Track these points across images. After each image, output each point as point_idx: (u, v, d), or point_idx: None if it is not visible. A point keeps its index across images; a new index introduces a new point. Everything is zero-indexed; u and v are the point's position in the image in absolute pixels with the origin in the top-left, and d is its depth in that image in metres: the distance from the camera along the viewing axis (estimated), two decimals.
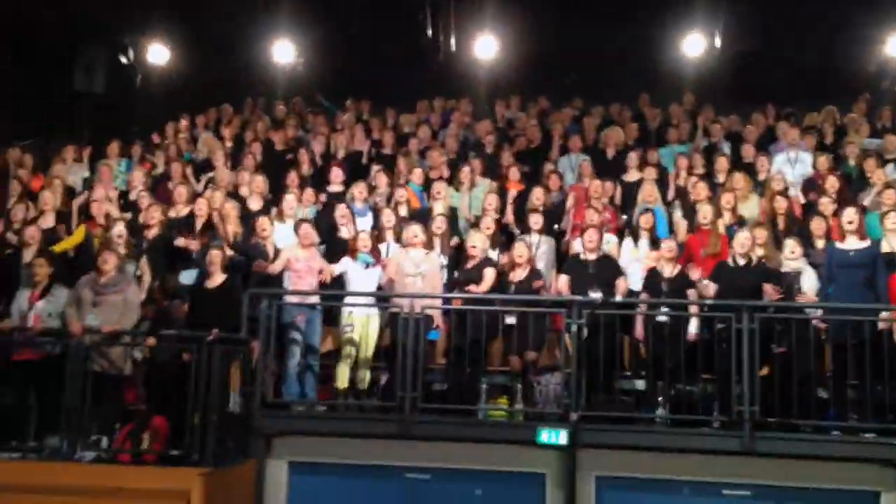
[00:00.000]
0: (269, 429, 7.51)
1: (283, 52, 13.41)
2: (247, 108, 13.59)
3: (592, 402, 7.30)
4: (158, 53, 13.42)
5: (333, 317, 8.19)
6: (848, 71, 13.10)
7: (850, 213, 7.71)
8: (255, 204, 9.59)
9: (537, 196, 9.54)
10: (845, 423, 7.23)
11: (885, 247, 7.79)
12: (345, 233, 8.78)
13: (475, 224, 9.15)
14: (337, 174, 10.30)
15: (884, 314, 7.26)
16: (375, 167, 10.58)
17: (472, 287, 7.81)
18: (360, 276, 8.07)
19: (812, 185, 9.67)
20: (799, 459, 7.05)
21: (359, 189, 9.64)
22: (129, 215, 9.41)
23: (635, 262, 8.65)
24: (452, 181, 10.15)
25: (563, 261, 8.72)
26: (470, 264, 8.09)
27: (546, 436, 7.18)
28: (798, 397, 7.15)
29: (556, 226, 9.46)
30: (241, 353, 7.53)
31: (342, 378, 7.83)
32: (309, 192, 9.89)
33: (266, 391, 7.53)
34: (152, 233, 8.88)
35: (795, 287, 7.68)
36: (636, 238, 8.88)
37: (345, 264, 8.14)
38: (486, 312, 7.62)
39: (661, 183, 9.96)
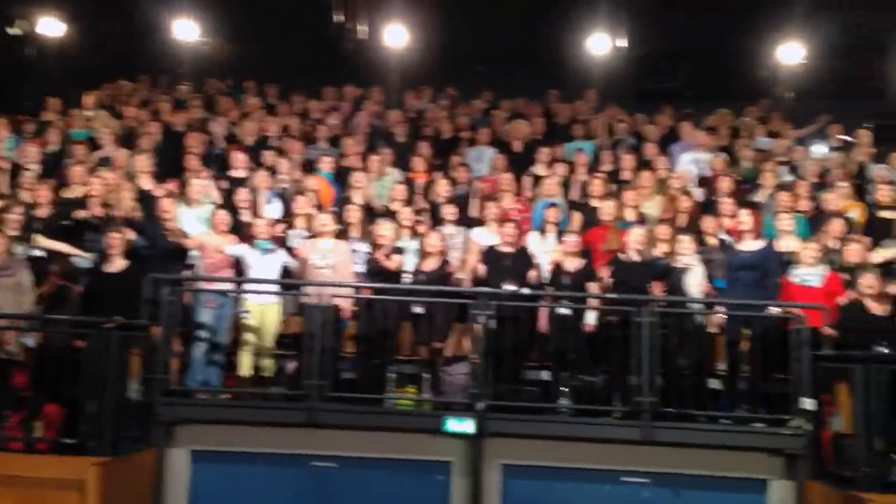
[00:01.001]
0: (171, 417, 7.32)
1: (185, 30, 12.99)
2: (146, 87, 13.12)
3: (499, 391, 7.40)
4: (52, 26, 12.79)
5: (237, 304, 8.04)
6: (746, 74, 13.73)
7: (744, 215, 8.07)
8: (148, 185, 9.27)
9: (446, 187, 9.62)
10: (736, 413, 7.57)
11: (779, 247, 8.18)
12: (246, 218, 8.62)
13: (385, 214, 9.12)
14: (239, 159, 10.09)
15: (773, 310, 7.63)
16: (273, 153, 10.38)
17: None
18: (259, 263, 7.94)
19: (707, 185, 10.04)
20: (694, 448, 7.35)
21: (262, 175, 9.45)
22: (16, 194, 8.93)
23: (543, 254, 8.81)
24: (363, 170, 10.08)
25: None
26: (379, 253, 8.08)
27: (453, 424, 7.27)
28: (693, 388, 7.48)
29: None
30: (141, 339, 7.30)
31: (245, 365, 7.70)
32: (209, 177, 9.64)
33: (168, 378, 7.33)
34: (43, 212, 8.47)
35: (679, 284, 7.96)
36: (543, 231, 9.04)
37: (241, 249, 7.97)
38: (394, 302, 7.63)
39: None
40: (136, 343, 7.24)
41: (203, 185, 9.00)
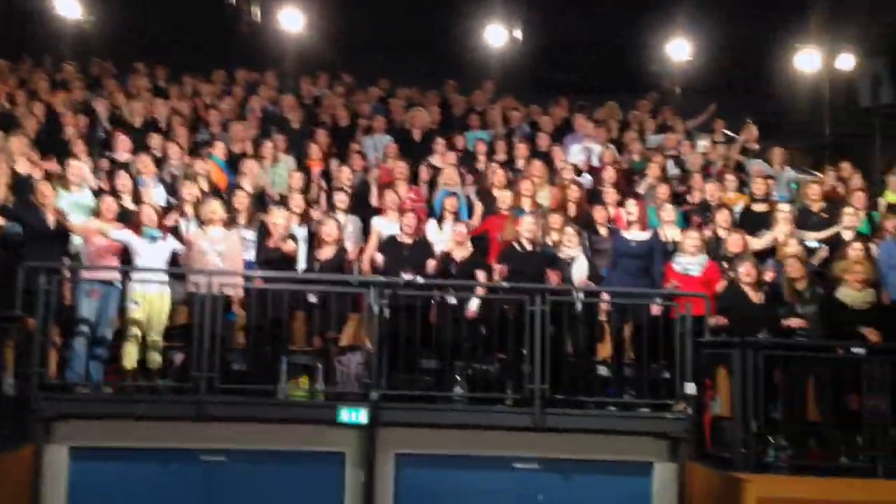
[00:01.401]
0: (49, 412, 7.00)
1: (70, 8, 12.40)
2: (27, 67, 12.46)
3: (393, 381, 7.38)
4: None
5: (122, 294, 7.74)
6: (638, 68, 14.09)
7: (631, 205, 8.29)
8: (24, 168, 8.81)
9: (342, 175, 9.53)
10: (624, 399, 7.79)
11: (662, 236, 8.44)
12: (128, 204, 8.31)
13: (279, 201, 8.95)
14: (123, 141, 9.69)
15: (658, 299, 7.87)
16: (161, 137, 10.05)
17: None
18: (147, 251, 7.66)
19: (596, 176, 10.27)
20: (583, 433, 7.53)
21: (145, 159, 9.12)
22: None
23: (441, 244, 8.83)
24: (256, 157, 9.86)
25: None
26: (272, 242, 7.93)
27: (346, 415, 7.21)
28: (583, 376, 7.66)
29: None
30: (15, 330, 6.94)
31: (130, 358, 7.42)
32: (90, 160, 9.24)
33: (45, 372, 7.01)
34: None
35: (566, 274, 8.13)
36: (441, 221, 9.06)
37: (128, 236, 7.67)
38: (287, 291, 7.51)
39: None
40: (9, 335, 6.87)
41: (81, 168, 8.60)
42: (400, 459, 7.38)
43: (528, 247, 8.18)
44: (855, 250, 7.92)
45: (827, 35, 12.26)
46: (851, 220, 8.70)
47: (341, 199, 8.86)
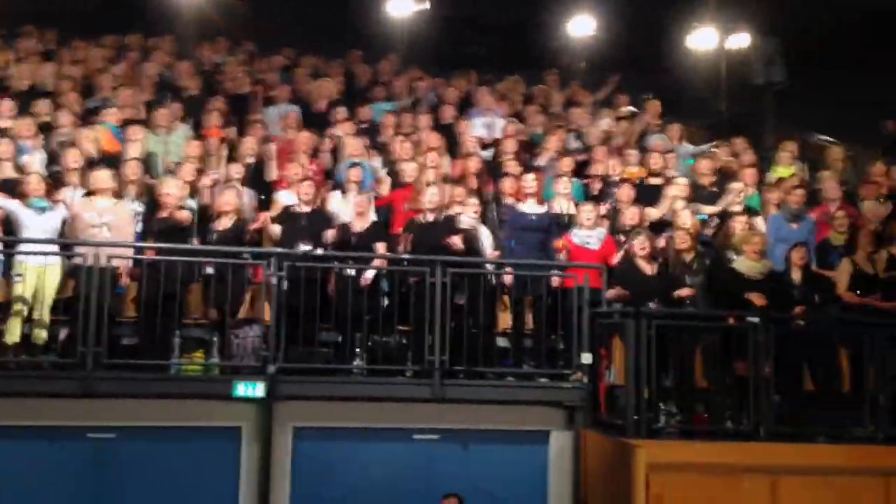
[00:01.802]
0: None
1: None
2: None
3: (291, 354, 7.27)
4: None
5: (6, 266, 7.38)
6: (544, 44, 14.18)
7: (529, 178, 8.36)
8: None
9: (244, 146, 9.30)
10: (522, 369, 7.88)
11: (556, 208, 8.54)
12: (9, 172, 7.90)
13: (173, 170, 8.67)
14: (5, 106, 9.20)
15: (556, 272, 7.98)
16: (48, 102, 9.58)
17: (172, 210, 7.51)
18: (34, 222, 7.30)
19: (496, 148, 10.32)
20: (482, 404, 7.59)
21: (25, 124, 8.68)
22: None
23: (346, 214, 8.69)
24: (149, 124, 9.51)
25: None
26: (164, 213, 7.67)
27: (242, 389, 7.07)
28: (482, 346, 7.71)
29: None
30: None
31: (12, 334, 7.08)
32: None
33: None
34: None
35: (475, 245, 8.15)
36: (344, 192, 8.94)
37: (12, 205, 7.30)
38: (181, 263, 7.29)
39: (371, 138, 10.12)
40: None
41: None
42: (298, 433, 7.29)
43: (431, 217, 8.16)
44: (741, 223, 8.18)
45: (722, 14, 12.57)
46: (740, 194, 8.97)
47: (237, 171, 8.64)
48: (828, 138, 12.61)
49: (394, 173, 9.25)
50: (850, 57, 12.82)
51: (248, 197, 8.69)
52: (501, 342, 8.16)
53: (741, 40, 12.53)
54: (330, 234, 7.88)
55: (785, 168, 10.28)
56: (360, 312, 7.52)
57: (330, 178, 9.51)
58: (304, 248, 7.55)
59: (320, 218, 8.06)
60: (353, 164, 9.05)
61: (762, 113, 11.11)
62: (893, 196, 9.70)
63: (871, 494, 6.67)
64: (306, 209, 8.05)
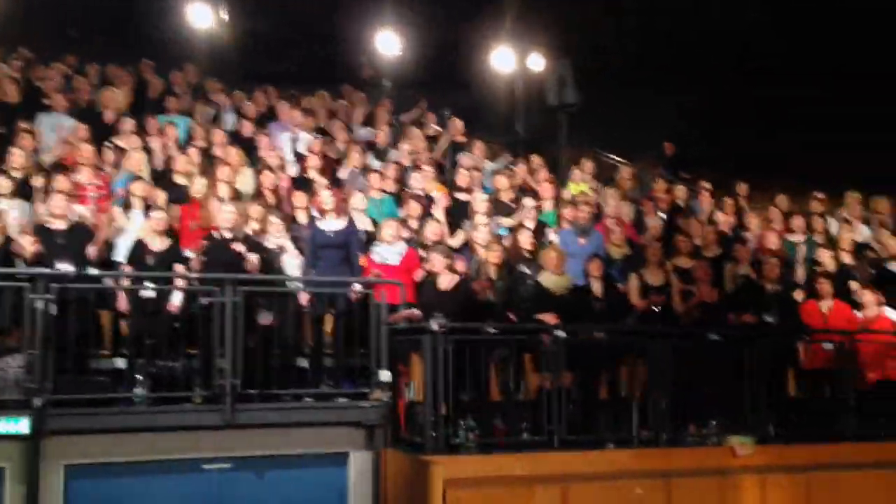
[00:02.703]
0: None
1: None
2: None
3: (61, 384, 6.63)
4: None
5: None
6: (348, 61, 14.08)
7: (326, 195, 8.17)
8: None
9: (13, 157, 8.50)
10: (321, 390, 7.63)
11: (360, 225, 8.41)
12: None
13: None
14: None
15: (357, 287, 7.82)
16: None
17: None
18: None
19: (301, 164, 10.08)
20: (279, 428, 7.27)
21: None
22: None
23: (129, 231, 8.15)
24: None
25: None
26: None
27: (4, 426, 6.37)
28: (280, 368, 7.40)
29: None
30: None
31: None
32: None
33: None
34: None
35: (276, 265, 7.88)
36: (127, 207, 8.36)
37: None
38: None
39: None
40: None
41: None
42: (71, 471, 6.65)
43: (228, 236, 7.79)
44: (528, 238, 8.39)
45: (519, 36, 12.98)
46: (533, 209, 9.23)
47: (4, 185, 7.86)
48: (616, 157, 13.33)
49: (173, 189, 8.74)
50: (638, 78, 13.63)
51: (18, 212, 7.93)
52: (301, 362, 7.88)
53: (536, 62, 12.96)
54: (93, 252, 7.29)
55: (578, 186, 10.69)
56: (140, 336, 6.99)
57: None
58: (63, 267, 6.92)
59: (79, 233, 7.45)
60: (135, 178, 8.48)
61: (557, 132, 11.50)
62: (675, 211, 10.34)
63: (655, 495, 6.93)
64: (62, 225, 7.42)
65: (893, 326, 8.49)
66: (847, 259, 9.47)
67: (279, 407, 7.29)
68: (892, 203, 11.03)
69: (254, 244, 7.82)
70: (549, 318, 7.69)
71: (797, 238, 9.95)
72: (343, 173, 9.90)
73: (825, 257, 9.31)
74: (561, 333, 7.41)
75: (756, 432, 7.68)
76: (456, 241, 8.99)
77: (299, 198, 8.85)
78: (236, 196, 8.81)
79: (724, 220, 10.35)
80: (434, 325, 7.08)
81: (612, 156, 13.48)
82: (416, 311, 7.62)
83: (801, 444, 7.83)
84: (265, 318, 7.50)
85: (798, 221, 10.12)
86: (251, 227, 8.18)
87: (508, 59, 13.01)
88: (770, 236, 9.66)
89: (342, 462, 7.46)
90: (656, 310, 8.15)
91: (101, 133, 9.81)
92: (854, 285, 8.90)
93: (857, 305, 8.67)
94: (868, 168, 11.91)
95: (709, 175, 11.64)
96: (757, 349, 7.81)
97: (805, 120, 13.84)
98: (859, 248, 9.77)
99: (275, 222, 8.22)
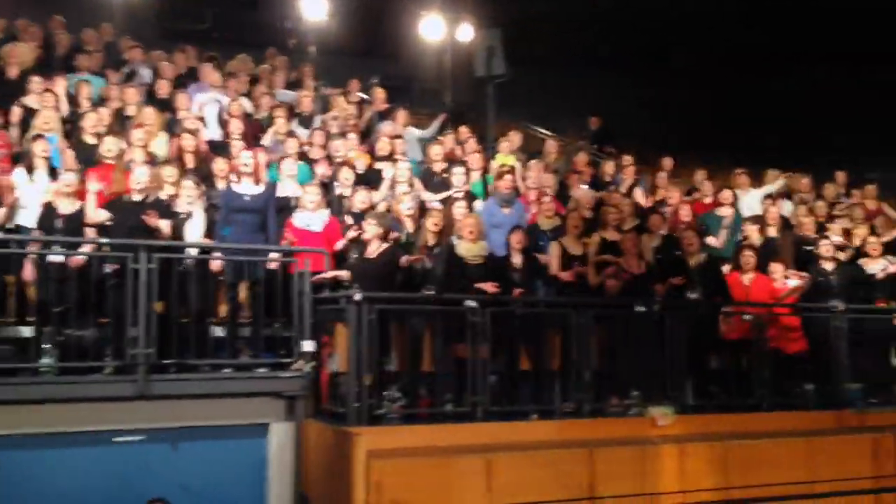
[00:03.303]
0: None
1: None
2: None
3: None
4: None
5: None
6: (273, 24, 13.68)
7: (246, 157, 7.89)
8: None
9: None
10: (239, 360, 7.40)
11: (281, 191, 8.16)
12: None
13: None
14: None
15: (273, 255, 7.58)
16: None
17: None
18: None
19: (222, 127, 9.74)
20: (195, 399, 7.01)
21: None
22: None
23: (36, 193, 7.72)
24: None
25: None
26: None
27: None
28: (197, 337, 7.14)
29: None
30: None
31: None
32: None
33: None
34: None
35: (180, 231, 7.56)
36: (31, 168, 7.90)
37: None
38: None
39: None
40: None
41: None
42: None
43: (138, 198, 7.45)
44: (460, 208, 8.28)
45: (449, 5, 12.81)
46: (462, 179, 9.11)
47: None
48: (543, 130, 13.31)
49: (87, 150, 8.32)
50: (567, 52, 13.63)
51: None
52: (218, 332, 7.62)
53: (466, 32, 12.82)
54: None
55: (506, 157, 10.62)
56: (48, 303, 6.63)
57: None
58: None
59: None
60: (38, 136, 8.02)
61: (485, 104, 11.43)
62: (596, 185, 10.37)
63: (578, 465, 6.95)
64: None
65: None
66: (772, 233, 9.64)
67: (195, 377, 7.04)
68: (813, 181, 11.32)
69: (164, 210, 7.49)
70: (488, 286, 7.59)
71: (724, 212, 10.06)
72: (266, 139, 9.58)
73: (751, 231, 9.47)
74: (471, 304, 7.31)
75: (676, 403, 7.79)
76: (380, 209, 8.79)
77: (218, 162, 8.53)
78: (151, 159, 8.45)
79: (645, 193, 10.44)
80: (358, 295, 6.92)
81: (539, 129, 13.46)
82: (342, 273, 7.42)
83: (719, 413, 8.00)
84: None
85: (725, 195, 10.26)
86: (165, 192, 7.84)
87: (438, 29, 12.82)
88: (685, 209, 9.75)
89: (262, 433, 7.25)
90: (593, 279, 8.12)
91: (4, 90, 9.28)
92: (775, 262, 9.05)
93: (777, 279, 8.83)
94: (789, 146, 12.20)
95: (633, 150, 11.73)
96: (678, 321, 7.89)
97: (729, 97, 14.10)
98: (784, 224, 9.98)
99: (188, 186, 7.88)
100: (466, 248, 7.88)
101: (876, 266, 9.26)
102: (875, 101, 13.81)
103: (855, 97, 13.93)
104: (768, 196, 10.56)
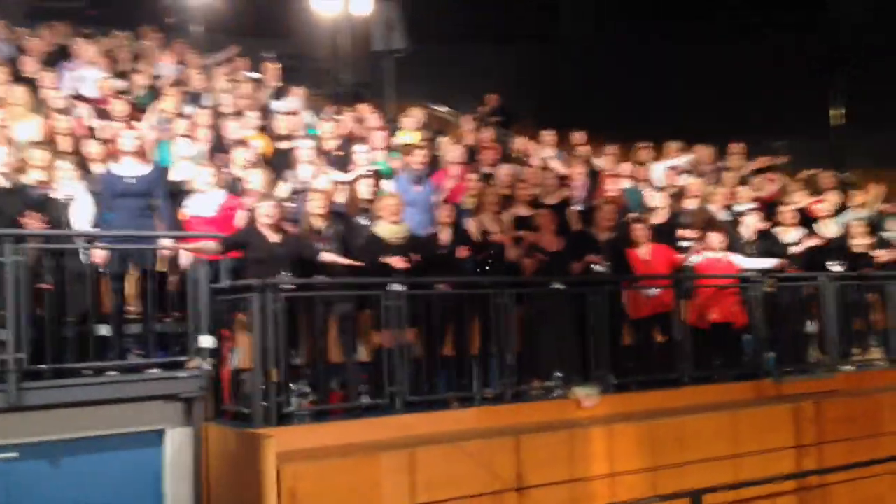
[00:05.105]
0: None
1: None
2: None
3: None
4: None
5: None
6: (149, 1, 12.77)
7: (128, 135, 7.11)
8: None
9: None
10: (126, 361, 6.63)
11: (172, 173, 7.41)
12: None
13: None
14: None
15: (166, 241, 6.85)
16: None
17: None
18: None
19: (96, 108, 8.87)
20: (77, 407, 6.23)
21: None
22: None
23: None
24: None
25: None
26: None
27: None
28: (76, 338, 6.33)
29: None
30: None
31: None
32: None
33: None
34: None
35: (63, 218, 6.71)
36: None
37: None
38: None
39: None
40: None
41: None
42: None
43: (7, 184, 6.58)
44: (368, 186, 7.74)
45: None
46: (366, 157, 8.57)
47: None
48: (442, 108, 12.82)
49: None
50: (468, 27, 13.19)
51: None
52: (103, 331, 6.79)
53: (363, 6, 12.18)
54: None
55: (410, 133, 10.12)
56: None
57: None
58: None
59: None
60: None
61: (383, 80, 10.85)
62: (505, 161, 9.96)
63: (506, 455, 6.53)
64: None
65: (733, 269, 8.50)
66: (683, 205, 9.43)
67: (76, 383, 6.23)
68: (715, 152, 11.24)
69: (32, 199, 6.63)
70: (395, 261, 7.05)
71: (630, 185, 9.83)
72: (151, 117, 8.76)
73: (657, 203, 9.23)
74: (399, 287, 6.81)
75: (599, 383, 7.50)
76: (283, 191, 8.15)
77: (94, 144, 7.69)
78: (11, 142, 7.52)
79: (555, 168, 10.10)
80: (257, 282, 6.28)
81: (439, 107, 12.96)
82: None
83: (642, 391, 7.77)
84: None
85: (635, 170, 10.02)
86: (34, 177, 6.97)
87: (332, 3, 12.14)
88: (607, 183, 9.48)
89: (156, 441, 6.55)
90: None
91: None
92: (685, 232, 8.86)
93: (683, 249, 8.60)
94: (690, 119, 12.12)
95: (537, 127, 11.39)
96: (594, 299, 7.59)
97: (631, 72, 13.99)
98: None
99: (63, 168, 7.03)
100: (387, 230, 7.32)
101: (790, 236, 9.21)
102: (771, 70, 13.94)
103: (753, 67, 14.03)
104: (671, 168, 10.39)
